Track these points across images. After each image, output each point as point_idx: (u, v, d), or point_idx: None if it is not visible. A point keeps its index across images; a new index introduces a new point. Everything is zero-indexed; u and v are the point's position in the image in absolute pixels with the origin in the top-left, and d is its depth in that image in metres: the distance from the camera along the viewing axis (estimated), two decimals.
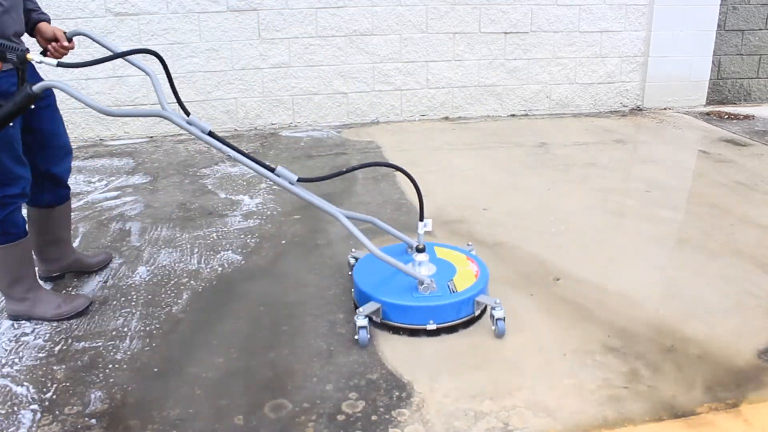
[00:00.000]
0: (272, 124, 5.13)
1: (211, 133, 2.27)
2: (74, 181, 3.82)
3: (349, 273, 2.54)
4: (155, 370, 2.00)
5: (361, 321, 2.11)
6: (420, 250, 2.30)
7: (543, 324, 2.23)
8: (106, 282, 2.57)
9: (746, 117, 5.49)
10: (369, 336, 2.12)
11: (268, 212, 3.31)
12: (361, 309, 2.15)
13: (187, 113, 2.29)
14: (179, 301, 2.42)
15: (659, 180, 3.80)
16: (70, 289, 2.51)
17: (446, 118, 5.43)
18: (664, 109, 5.82)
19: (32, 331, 2.21)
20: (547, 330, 2.19)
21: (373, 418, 1.76)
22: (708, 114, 5.61)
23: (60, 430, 1.73)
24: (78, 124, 4.68)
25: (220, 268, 2.68)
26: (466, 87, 5.41)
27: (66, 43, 2.19)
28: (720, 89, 5.96)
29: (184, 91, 4.85)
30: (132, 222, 3.20)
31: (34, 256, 2.43)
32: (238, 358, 2.05)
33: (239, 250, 2.87)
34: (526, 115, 5.61)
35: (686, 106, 5.87)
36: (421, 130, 5.03)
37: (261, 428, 1.73)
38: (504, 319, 2.15)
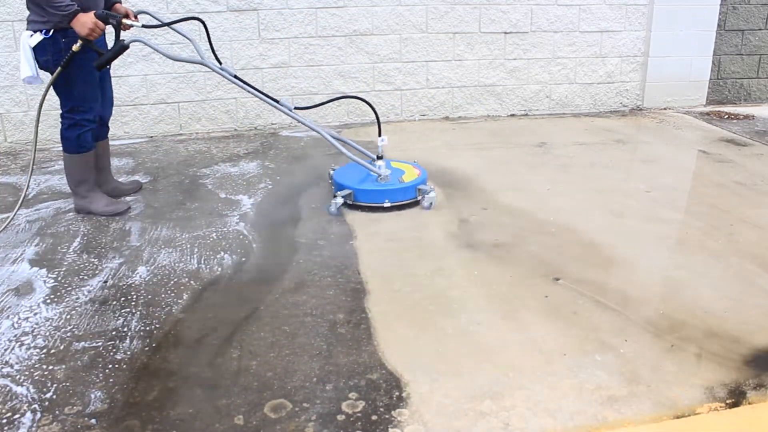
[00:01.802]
0: (272, 123, 5.13)
1: (236, 77, 3.22)
2: None
3: (329, 181, 3.63)
4: (155, 370, 2.00)
5: (339, 200, 3.24)
6: (379, 158, 3.42)
7: (543, 324, 2.23)
8: (106, 282, 2.57)
9: (746, 117, 5.49)
10: (339, 212, 3.23)
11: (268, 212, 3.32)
12: (338, 193, 3.27)
13: (220, 62, 3.29)
14: (179, 301, 2.42)
15: (659, 180, 3.80)
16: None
17: (446, 118, 5.43)
18: (664, 109, 5.82)
19: (32, 331, 2.21)
20: (547, 330, 2.20)
21: (373, 418, 1.76)
22: (708, 114, 5.61)
23: (60, 430, 1.73)
24: None
25: (219, 268, 2.68)
26: (466, 87, 5.41)
27: (133, 18, 3.18)
28: (720, 89, 5.96)
29: (184, 91, 4.86)
30: (132, 222, 3.20)
31: None
32: (238, 358, 2.05)
33: (239, 250, 2.87)
34: (526, 115, 5.61)
35: (686, 106, 5.87)
36: (421, 130, 5.03)
37: (261, 428, 1.73)
38: (434, 197, 3.33)
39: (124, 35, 2.98)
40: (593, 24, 5.46)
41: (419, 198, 3.36)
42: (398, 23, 5.11)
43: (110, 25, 2.94)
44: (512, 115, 5.58)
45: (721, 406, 1.81)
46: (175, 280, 2.59)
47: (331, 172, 3.60)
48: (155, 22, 3.23)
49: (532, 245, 2.88)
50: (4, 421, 1.77)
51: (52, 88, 3.00)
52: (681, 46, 5.63)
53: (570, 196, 3.52)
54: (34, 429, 1.74)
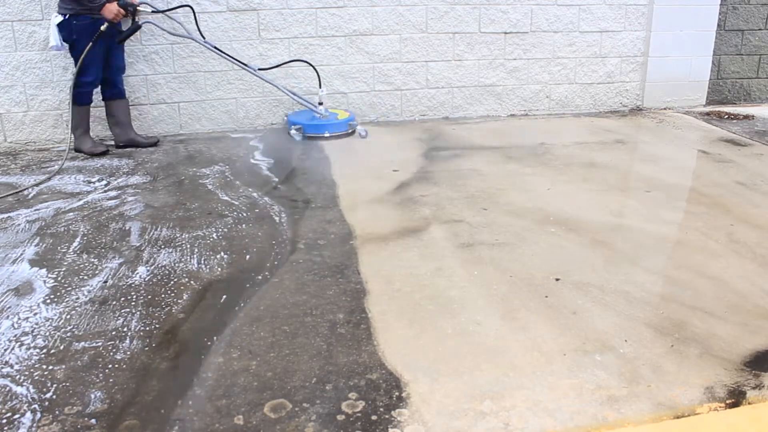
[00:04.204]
0: (272, 124, 5.13)
1: (217, 48, 4.55)
2: (74, 181, 3.83)
3: (285, 119, 5.00)
4: (155, 370, 2.00)
5: (293, 131, 4.72)
6: (320, 104, 4.78)
7: (543, 324, 2.23)
8: (106, 282, 2.57)
9: (746, 117, 5.49)
10: (301, 137, 4.70)
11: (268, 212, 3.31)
12: (293, 127, 4.73)
13: (204, 37, 4.56)
14: (179, 301, 2.42)
15: (659, 180, 3.80)
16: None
17: (446, 118, 5.43)
18: (664, 109, 5.82)
19: (32, 331, 2.21)
20: (547, 330, 2.20)
21: (373, 418, 1.76)
22: (708, 114, 5.61)
23: (60, 430, 1.73)
24: None
25: (219, 268, 2.68)
26: (466, 87, 5.41)
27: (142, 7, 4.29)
28: (720, 89, 5.96)
29: (184, 91, 4.86)
30: (132, 222, 3.20)
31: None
32: (238, 358, 2.05)
33: (239, 249, 2.86)
34: (526, 115, 5.61)
35: (686, 106, 5.87)
36: (421, 130, 5.03)
37: (261, 428, 1.73)
38: (364, 131, 4.78)
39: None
40: (593, 24, 5.46)
41: (350, 131, 4.81)
42: (398, 23, 5.11)
43: (128, 12, 4.12)
44: (512, 115, 5.58)
45: (721, 406, 1.81)
46: (175, 280, 2.59)
47: (286, 115, 4.98)
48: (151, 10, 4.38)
49: (532, 245, 2.88)
50: (4, 421, 1.77)
51: (70, 54, 4.24)
52: (681, 46, 5.63)
53: (570, 196, 3.52)
54: (34, 429, 1.74)
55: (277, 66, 4.79)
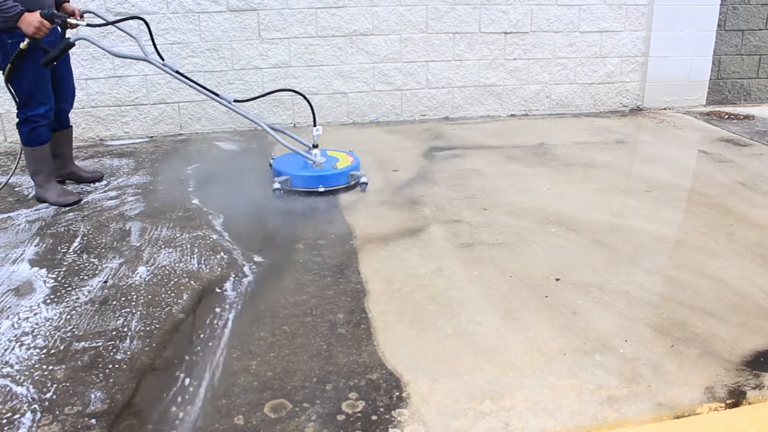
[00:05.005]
0: (272, 124, 5.12)
1: (178, 72, 3.47)
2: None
3: (269, 165, 3.85)
4: (155, 370, 2.00)
5: (276, 185, 3.46)
6: (315, 146, 3.65)
7: (543, 324, 2.23)
8: (106, 282, 2.57)
9: (746, 117, 5.49)
10: (282, 194, 3.47)
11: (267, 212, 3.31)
12: (276, 179, 3.49)
13: (162, 58, 3.49)
14: (179, 301, 2.42)
15: (659, 180, 3.80)
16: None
17: (446, 118, 5.43)
18: (664, 109, 5.82)
19: (32, 331, 2.21)
20: (547, 330, 2.20)
21: (373, 418, 1.76)
22: (708, 114, 5.61)
23: (60, 430, 1.73)
24: (78, 124, 4.67)
25: (219, 268, 2.68)
26: (466, 87, 5.41)
27: (79, 18, 3.36)
28: (720, 89, 5.96)
29: (184, 91, 4.86)
30: (132, 222, 3.20)
31: None
32: (238, 358, 2.05)
33: (239, 249, 2.86)
34: (526, 115, 5.61)
35: (686, 106, 5.87)
36: (421, 130, 5.03)
37: (261, 428, 1.73)
38: (366, 183, 3.60)
39: (71, 33, 3.31)
40: (593, 24, 5.46)
41: (352, 183, 3.63)
42: (398, 23, 5.11)
43: (56, 24, 3.16)
44: (512, 116, 5.58)
45: (721, 406, 1.81)
46: (175, 280, 2.59)
47: (271, 160, 3.87)
48: (99, 21, 3.48)
49: (532, 245, 2.88)
50: (4, 421, 1.77)
51: (6, 83, 3.24)
52: (681, 46, 5.63)
53: (570, 196, 3.52)
54: (34, 429, 1.74)
55: (256, 98, 3.82)
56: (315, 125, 3.69)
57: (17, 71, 3.18)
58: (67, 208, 3.37)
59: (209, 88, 3.54)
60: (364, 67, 5.16)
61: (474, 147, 4.54)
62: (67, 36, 3.16)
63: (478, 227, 3.10)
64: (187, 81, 3.44)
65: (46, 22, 3.08)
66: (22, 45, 3.09)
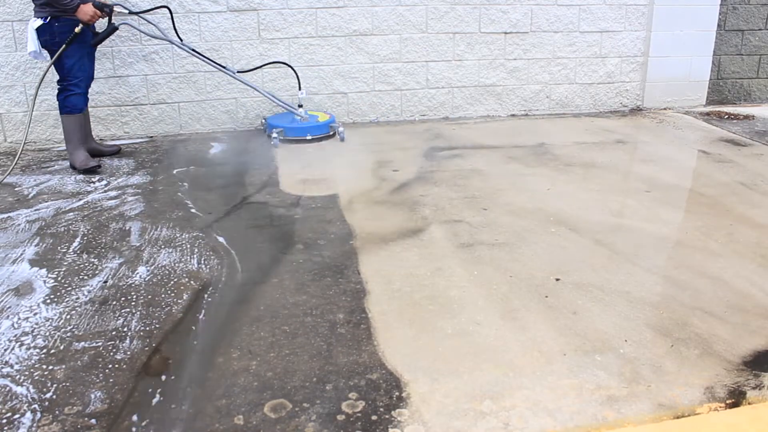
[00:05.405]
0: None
1: (193, 50, 4.44)
2: (74, 181, 3.83)
3: (263, 126, 4.95)
4: (155, 369, 2.00)
5: (274, 135, 4.58)
6: (300, 106, 4.75)
7: (543, 324, 2.23)
8: (106, 282, 2.57)
9: (746, 117, 5.49)
10: (279, 142, 4.56)
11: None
12: (273, 131, 4.61)
13: (181, 39, 4.47)
14: (179, 301, 2.42)
15: (659, 180, 3.80)
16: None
17: (446, 118, 5.43)
18: (664, 109, 5.82)
19: (32, 331, 2.21)
20: (547, 330, 2.20)
21: (373, 418, 1.76)
22: (708, 114, 5.61)
23: (60, 430, 1.73)
24: None
25: (219, 268, 2.68)
26: (466, 87, 5.41)
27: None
28: (720, 89, 5.96)
29: (184, 91, 4.86)
30: (132, 222, 3.20)
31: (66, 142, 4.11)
32: (238, 358, 2.05)
33: (239, 249, 2.86)
34: (526, 115, 5.61)
35: (686, 106, 5.87)
36: (421, 130, 5.03)
37: (261, 428, 1.73)
38: (344, 131, 4.70)
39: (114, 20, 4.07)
40: (593, 24, 5.46)
41: (331, 133, 4.76)
42: (398, 23, 5.11)
43: (104, 13, 3.93)
44: (512, 116, 5.58)
45: (721, 406, 1.81)
46: (175, 280, 2.59)
47: (264, 119, 4.93)
48: (127, 11, 4.27)
49: (532, 245, 2.88)
50: (4, 421, 1.77)
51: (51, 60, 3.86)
52: (681, 46, 5.63)
53: (570, 196, 3.52)
54: (34, 429, 1.74)
55: (255, 68, 4.77)
56: (300, 89, 4.83)
57: (66, 51, 3.81)
58: (67, 207, 3.36)
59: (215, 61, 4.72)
60: (364, 67, 5.16)
61: (474, 147, 4.54)
62: (111, 22, 3.98)
63: (478, 227, 3.09)
64: (201, 57, 4.43)
65: (97, 11, 3.82)
66: (77, 29, 3.77)
